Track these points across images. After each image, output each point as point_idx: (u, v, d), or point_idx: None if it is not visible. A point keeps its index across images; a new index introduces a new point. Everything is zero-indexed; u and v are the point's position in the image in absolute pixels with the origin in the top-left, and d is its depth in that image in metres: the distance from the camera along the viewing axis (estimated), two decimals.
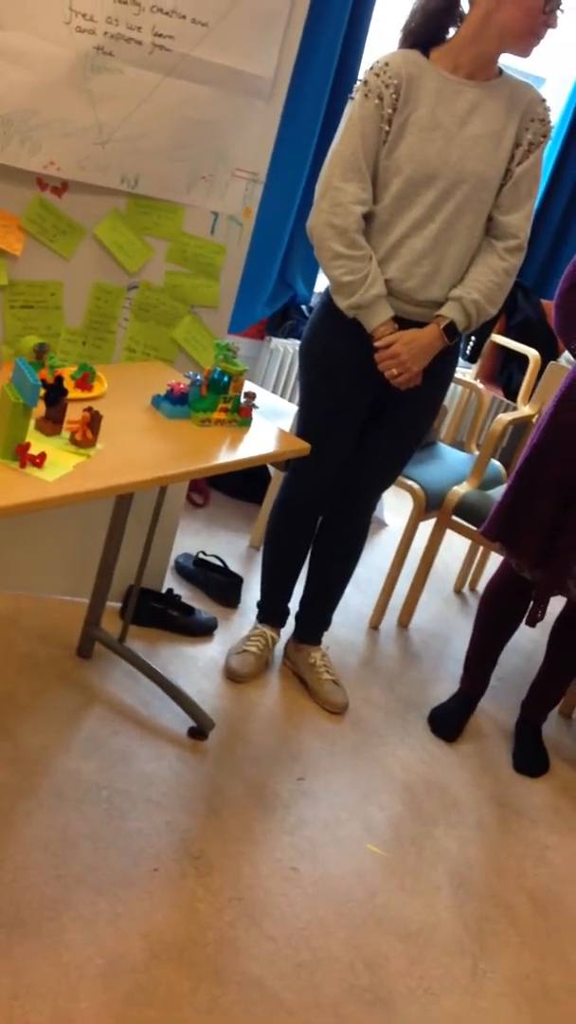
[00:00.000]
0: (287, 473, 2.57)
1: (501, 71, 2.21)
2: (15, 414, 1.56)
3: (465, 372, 4.17)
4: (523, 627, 2.62)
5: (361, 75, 2.17)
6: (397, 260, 2.23)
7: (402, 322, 2.27)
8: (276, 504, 2.63)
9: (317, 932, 1.96)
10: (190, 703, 2.40)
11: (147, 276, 2.44)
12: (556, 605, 2.64)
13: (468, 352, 4.32)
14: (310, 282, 3.99)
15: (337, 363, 2.36)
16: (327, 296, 2.32)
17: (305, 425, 2.44)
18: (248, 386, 2.15)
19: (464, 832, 2.36)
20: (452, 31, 2.19)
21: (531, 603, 2.49)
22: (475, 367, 4.19)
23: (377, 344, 2.26)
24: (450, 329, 2.25)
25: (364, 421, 2.45)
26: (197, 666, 2.65)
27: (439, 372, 2.37)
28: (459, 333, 2.28)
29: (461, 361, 4.34)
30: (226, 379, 2.03)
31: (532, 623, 2.51)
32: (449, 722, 2.70)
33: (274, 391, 4.01)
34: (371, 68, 2.15)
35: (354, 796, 2.36)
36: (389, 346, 2.24)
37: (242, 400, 2.08)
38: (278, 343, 3.98)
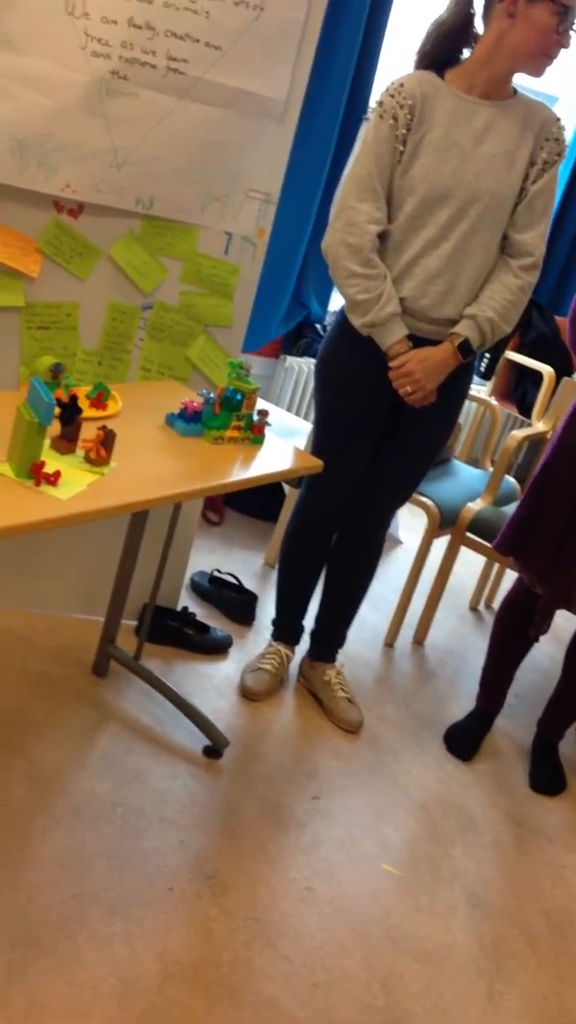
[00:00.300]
0: (301, 491, 2.57)
1: (515, 91, 2.23)
2: (30, 433, 1.58)
3: (480, 389, 4.17)
4: (541, 644, 2.61)
5: (376, 96, 2.19)
6: (412, 279, 2.24)
7: (417, 340, 2.28)
8: (290, 521, 2.63)
9: (333, 952, 1.95)
10: (205, 721, 2.40)
11: (162, 296, 2.46)
12: (574, 621, 2.63)
13: (483, 369, 4.32)
14: (324, 301, 4.01)
15: (352, 380, 2.37)
16: (342, 314, 2.34)
17: (320, 442, 2.45)
18: (261, 404, 2.16)
19: (480, 852, 2.35)
20: (467, 52, 2.21)
21: (536, 616, 2.49)
22: (490, 384, 4.19)
23: (391, 364, 2.26)
24: (464, 347, 2.26)
25: (379, 438, 2.45)
26: (212, 684, 2.65)
27: (454, 389, 2.37)
28: (473, 351, 2.28)
29: (476, 378, 4.35)
30: (239, 397, 2.04)
31: (535, 637, 2.50)
32: (465, 741, 2.69)
33: (289, 409, 4.02)
34: (386, 89, 2.17)
35: (369, 815, 2.35)
36: (403, 364, 2.25)
37: (255, 418, 2.09)
38: (293, 361, 3.99)
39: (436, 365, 2.26)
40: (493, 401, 3.86)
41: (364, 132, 2.19)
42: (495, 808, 2.51)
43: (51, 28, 2.10)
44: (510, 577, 3.38)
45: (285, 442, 2.18)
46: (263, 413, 2.10)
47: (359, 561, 2.64)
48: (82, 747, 2.28)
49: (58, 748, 2.25)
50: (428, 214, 2.19)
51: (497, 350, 4.17)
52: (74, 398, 1.72)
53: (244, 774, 2.36)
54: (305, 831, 2.24)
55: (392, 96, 2.15)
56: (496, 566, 3.50)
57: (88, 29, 2.12)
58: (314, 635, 2.75)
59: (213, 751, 2.37)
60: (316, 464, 2.13)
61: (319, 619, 2.73)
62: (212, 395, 2.05)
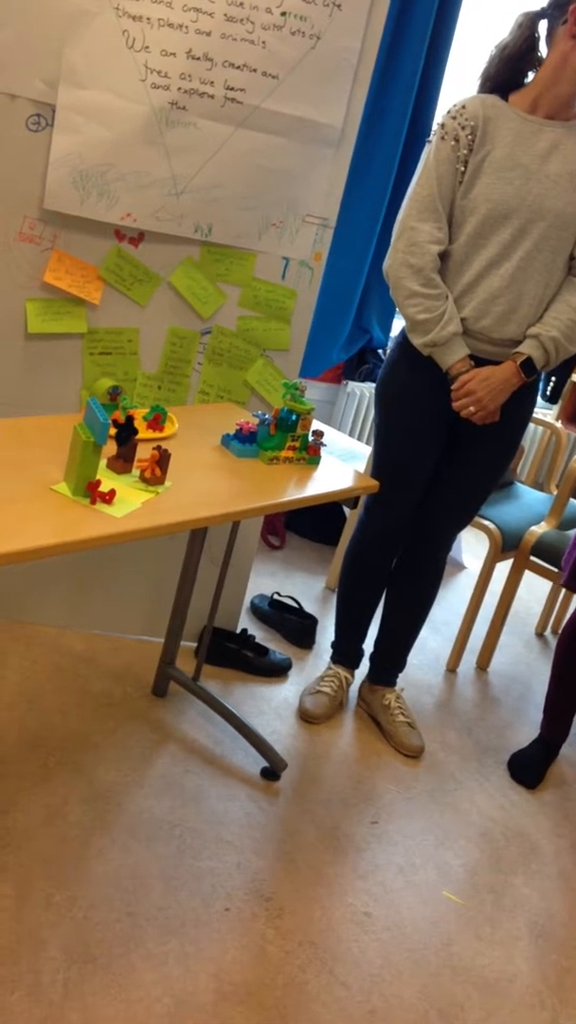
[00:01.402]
0: (361, 513, 2.57)
1: None
2: (85, 452, 1.61)
3: (545, 413, 4.12)
4: None
5: (439, 118, 2.20)
6: (473, 298, 2.23)
7: (479, 361, 2.26)
8: (350, 544, 2.62)
9: (390, 979, 1.91)
10: (263, 743, 2.40)
11: (220, 321, 2.49)
12: None
13: (548, 393, 4.27)
14: (386, 326, 4.01)
15: (412, 401, 2.37)
16: (403, 335, 2.34)
17: (380, 464, 2.44)
18: (316, 424, 2.17)
19: (544, 882, 2.29)
20: (530, 75, 2.21)
21: None
22: (556, 408, 4.13)
23: (453, 387, 2.25)
24: (527, 365, 2.24)
25: (439, 460, 2.44)
26: (270, 706, 2.65)
27: (517, 411, 2.35)
28: (536, 370, 2.25)
29: (541, 402, 4.30)
30: (294, 417, 2.05)
31: None
32: (529, 768, 2.63)
33: (351, 434, 4.03)
34: (448, 111, 2.18)
35: (429, 841, 2.31)
36: (464, 384, 2.24)
37: (310, 438, 2.09)
38: (354, 387, 4.00)
39: (498, 384, 2.24)
40: (559, 424, 3.81)
41: (426, 153, 2.20)
42: (560, 838, 2.44)
43: (112, 62, 2.17)
44: None
45: (341, 463, 2.18)
46: (318, 434, 2.11)
47: (419, 585, 2.61)
48: (141, 767, 2.29)
49: (117, 768, 2.27)
50: (490, 233, 2.19)
51: (563, 373, 4.12)
52: (129, 418, 1.75)
53: (302, 797, 2.34)
54: (363, 856, 2.21)
55: (454, 118, 2.16)
56: (563, 591, 3.43)
57: (148, 62, 2.18)
58: (374, 659, 2.73)
59: (271, 773, 2.37)
60: (372, 484, 2.13)
61: (379, 643, 2.71)
62: (267, 416, 2.07)
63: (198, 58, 2.20)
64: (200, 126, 2.26)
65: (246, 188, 2.36)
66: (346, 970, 1.90)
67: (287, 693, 2.73)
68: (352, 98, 2.34)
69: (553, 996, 1.98)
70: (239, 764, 2.39)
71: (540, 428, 3.96)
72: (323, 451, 2.13)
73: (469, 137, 2.15)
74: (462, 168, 2.17)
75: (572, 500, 3.20)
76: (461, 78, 3.66)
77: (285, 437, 2.06)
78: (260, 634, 2.96)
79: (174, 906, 1.94)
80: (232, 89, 2.25)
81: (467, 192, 2.18)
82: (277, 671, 2.78)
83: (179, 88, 2.21)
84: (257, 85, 2.26)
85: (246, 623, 3.01)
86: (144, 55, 2.17)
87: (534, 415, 3.48)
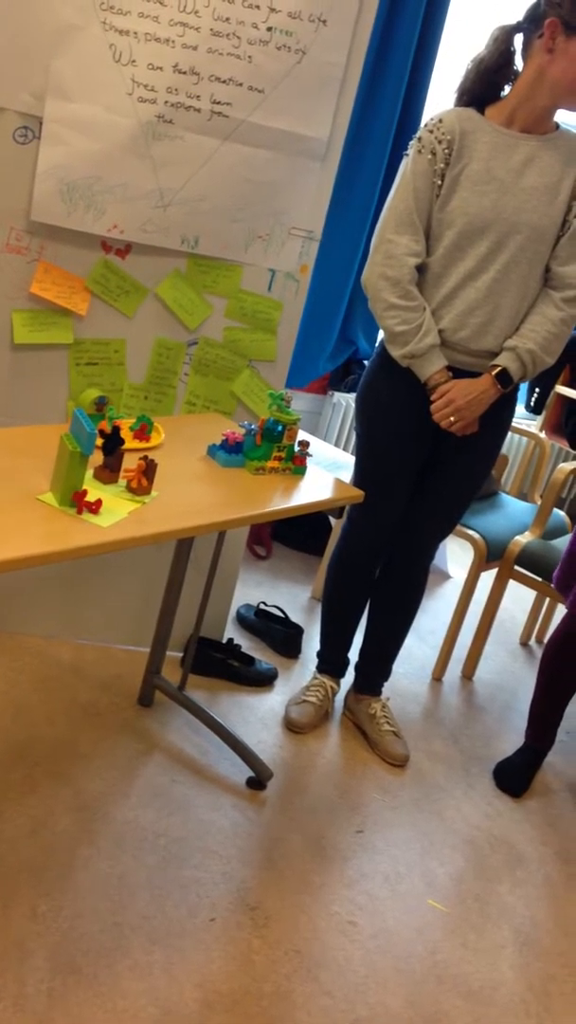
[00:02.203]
0: (344, 523, 2.58)
1: (558, 125, 2.24)
2: (72, 462, 1.62)
3: (530, 423, 4.15)
4: None
5: (417, 132, 2.22)
6: (450, 310, 2.25)
7: (457, 372, 2.28)
8: (334, 555, 2.64)
9: (375, 988, 1.92)
10: (249, 753, 2.40)
11: (206, 332, 2.51)
12: None
13: (533, 404, 4.30)
14: (371, 337, 4.04)
15: (392, 412, 2.39)
16: (381, 347, 2.36)
17: (361, 474, 2.46)
18: (302, 435, 2.19)
19: (529, 890, 2.30)
20: (507, 88, 2.24)
21: None
22: (540, 419, 4.16)
23: (432, 397, 2.27)
24: (503, 377, 2.26)
25: (421, 470, 2.46)
26: (256, 716, 2.66)
27: (496, 420, 2.37)
28: (512, 381, 2.28)
29: (526, 412, 4.34)
30: (280, 428, 2.06)
31: None
32: (515, 776, 2.65)
33: (336, 444, 4.04)
34: (425, 125, 2.20)
35: (415, 850, 2.32)
36: (444, 394, 2.26)
37: (296, 449, 2.11)
38: (340, 397, 4.03)
39: (476, 395, 2.26)
40: (543, 435, 3.84)
41: (403, 167, 2.22)
42: (545, 846, 2.46)
43: (100, 76, 2.18)
44: (561, 612, 3.34)
45: (327, 473, 2.19)
46: (304, 444, 2.12)
47: (403, 593, 2.63)
48: (127, 777, 2.29)
49: (103, 777, 2.27)
50: (467, 246, 2.21)
51: (546, 384, 4.16)
52: (116, 429, 1.76)
53: (288, 806, 2.35)
54: (348, 865, 2.22)
55: (431, 132, 2.18)
56: (547, 600, 3.45)
57: (135, 76, 2.20)
58: (359, 668, 2.74)
59: (257, 783, 2.37)
60: (357, 494, 2.14)
61: (363, 652, 2.72)
62: (254, 426, 2.08)
63: (185, 72, 2.22)
64: (187, 139, 2.28)
65: (232, 201, 2.38)
66: (331, 979, 1.91)
67: (273, 703, 2.74)
68: (338, 112, 2.37)
69: (538, 1004, 1.99)
70: (225, 773, 2.40)
71: (524, 439, 3.99)
72: (309, 461, 2.15)
73: (446, 151, 2.17)
74: (439, 182, 2.19)
75: (556, 510, 3.22)
76: (446, 92, 3.69)
77: (271, 447, 2.07)
78: (246, 644, 2.97)
79: (160, 916, 1.94)
80: (218, 103, 2.27)
81: (444, 205, 2.20)
82: (263, 680, 2.79)
83: (166, 102, 2.23)
84: (243, 99, 2.28)
85: (232, 633, 3.02)
86: (131, 69, 2.19)
87: (519, 426, 3.51)
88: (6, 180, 2.24)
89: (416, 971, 1.98)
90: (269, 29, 2.23)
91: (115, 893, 1.96)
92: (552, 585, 2.51)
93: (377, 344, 2.41)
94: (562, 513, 3.33)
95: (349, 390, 4.07)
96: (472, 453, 2.42)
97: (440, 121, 2.19)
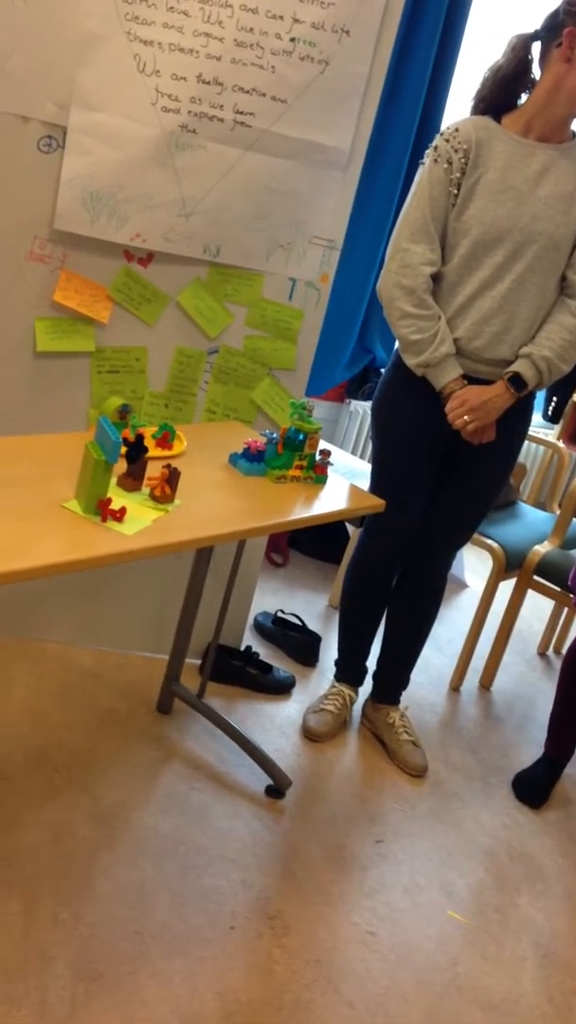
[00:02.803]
0: (361, 533, 2.58)
1: (575, 134, 2.24)
2: (96, 470, 1.62)
3: (547, 433, 4.14)
4: None
5: (433, 141, 2.23)
6: (466, 319, 2.25)
7: (472, 381, 2.28)
8: (351, 563, 2.64)
9: (396, 999, 1.91)
10: (267, 761, 2.40)
11: (227, 340, 2.52)
12: None
13: (550, 413, 4.29)
14: (389, 346, 4.04)
15: (408, 422, 2.38)
16: (396, 356, 2.36)
17: (378, 483, 2.46)
18: (323, 444, 2.19)
19: (549, 902, 2.29)
20: (524, 96, 2.24)
21: None
22: (557, 428, 4.15)
23: (449, 402, 2.27)
24: (516, 381, 2.25)
25: (437, 479, 2.45)
26: (274, 724, 2.65)
27: (512, 427, 2.37)
28: (526, 386, 2.27)
29: (543, 421, 4.33)
30: (301, 437, 2.07)
31: None
32: (534, 787, 2.63)
33: (353, 452, 4.05)
34: (441, 134, 2.21)
35: (434, 861, 2.31)
36: (459, 398, 2.25)
37: (317, 458, 2.11)
38: (357, 405, 4.03)
39: (491, 401, 2.25)
40: (560, 444, 3.83)
41: (419, 175, 2.23)
42: (564, 858, 2.44)
43: (124, 86, 2.20)
44: None
45: (348, 482, 2.20)
46: (325, 453, 2.13)
47: (420, 603, 2.63)
48: (146, 784, 2.29)
49: (122, 785, 2.27)
50: (483, 256, 2.21)
51: (564, 393, 4.15)
52: (140, 437, 1.77)
53: (306, 815, 2.34)
54: (368, 875, 2.21)
55: (447, 141, 2.18)
56: (566, 611, 3.44)
57: (159, 86, 2.21)
58: (376, 677, 2.73)
59: (275, 791, 2.37)
60: (378, 503, 2.14)
61: (381, 661, 2.72)
62: (275, 435, 2.08)
63: (208, 82, 2.23)
64: (209, 149, 2.29)
65: (254, 210, 2.39)
66: (352, 989, 1.90)
67: (291, 711, 2.73)
68: (360, 122, 2.37)
69: (559, 1017, 1.97)
70: (243, 782, 2.39)
71: (542, 448, 3.98)
72: (328, 470, 2.15)
73: (462, 160, 2.17)
74: (455, 191, 2.19)
75: (575, 520, 3.21)
76: (465, 101, 3.70)
77: (292, 456, 2.07)
78: (264, 651, 2.97)
79: (180, 924, 1.94)
80: (241, 113, 2.28)
81: (460, 214, 2.20)
82: (281, 688, 2.79)
83: (189, 111, 2.24)
84: (266, 109, 2.29)
85: (250, 640, 3.02)
86: (155, 79, 2.20)
87: (536, 435, 3.51)
88: (30, 189, 2.25)
89: (436, 983, 1.98)
90: (292, 40, 2.23)
91: (135, 901, 1.96)
92: (569, 587, 2.50)
93: (393, 354, 2.41)
94: None
95: (366, 398, 4.07)
96: (489, 461, 2.42)
97: (456, 130, 2.19)
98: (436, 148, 2.19)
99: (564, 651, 3.37)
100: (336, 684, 2.75)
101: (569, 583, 2.48)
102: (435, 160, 2.19)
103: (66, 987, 1.74)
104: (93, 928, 1.87)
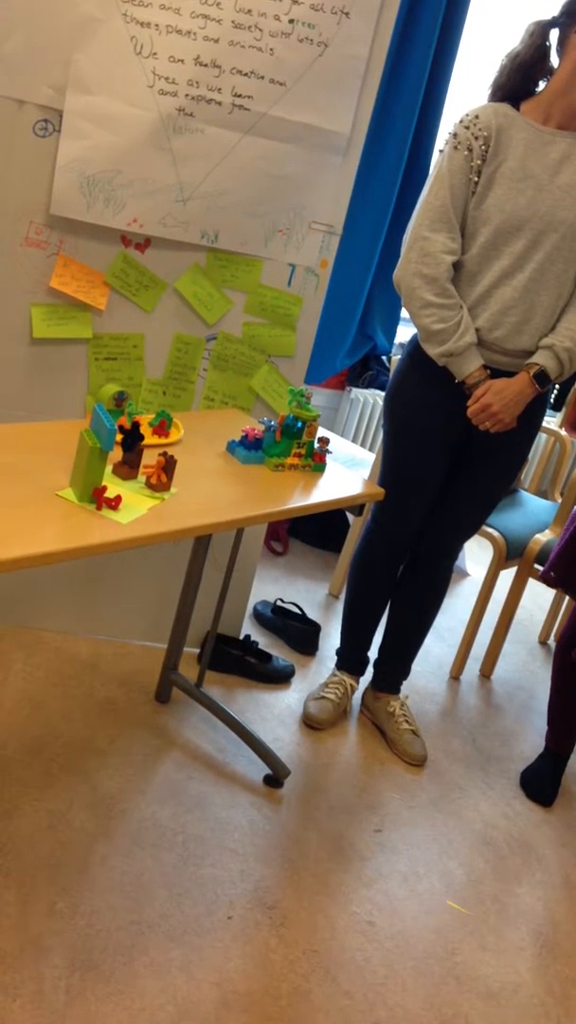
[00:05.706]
0: (368, 522, 2.56)
1: None
2: (91, 458, 1.61)
3: (550, 421, 4.11)
4: None
5: (452, 128, 2.19)
6: (486, 309, 2.22)
7: (492, 372, 2.25)
8: (357, 553, 2.62)
9: (394, 988, 1.90)
10: (266, 750, 2.39)
11: (226, 327, 2.49)
12: None
13: (552, 400, 4.27)
14: (390, 333, 4.02)
15: (423, 412, 2.36)
16: (412, 346, 2.33)
17: (389, 474, 2.44)
18: (322, 432, 2.17)
19: (549, 892, 2.28)
20: (542, 84, 2.20)
21: None
22: (559, 415, 4.13)
23: (468, 403, 2.25)
24: (540, 376, 2.23)
25: (449, 470, 2.43)
26: (274, 713, 2.64)
27: (528, 420, 2.33)
28: (550, 380, 2.24)
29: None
30: (299, 425, 2.05)
31: None
32: (543, 785, 2.60)
33: (354, 440, 4.03)
34: (461, 120, 2.17)
35: (433, 850, 2.30)
36: (479, 399, 2.23)
37: (316, 445, 2.09)
38: (358, 393, 4.01)
39: (513, 396, 2.22)
40: (562, 432, 3.81)
41: (438, 163, 2.19)
42: (564, 847, 2.44)
43: (120, 69, 2.17)
44: None
45: (347, 470, 2.18)
46: (324, 441, 2.11)
47: (425, 593, 2.61)
48: (144, 773, 2.29)
49: (120, 774, 2.26)
50: (503, 245, 2.18)
51: (567, 381, 4.12)
52: (136, 425, 1.75)
53: (305, 804, 2.33)
54: (367, 864, 2.20)
55: (467, 128, 2.15)
56: (566, 599, 3.43)
57: (156, 69, 2.18)
58: (378, 666, 2.72)
59: (274, 780, 2.36)
60: (377, 492, 2.12)
61: (383, 650, 2.70)
62: (273, 423, 2.06)
63: (206, 65, 2.20)
64: (207, 133, 2.27)
65: (253, 195, 2.36)
66: (350, 979, 1.89)
67: (290, 700, 2.72)
68: (360, 105, 2.35)
69: (558, 1006, 1.97)
70: (242, 771, 2.38)
71: (544, 436, 3.96)
72: (328, 458, 2.13)
73: (483, 147, 2.14)
74: (475, 178, 2.16)
75: None
76: (466, 86, 3.66)
77: (291, 444, 2.05)
78: (263, 640, 2.96)
79: (177, 914, 1.93)
80: (240, 96, 2.25)
81: (480, 203, 2.17)
82: (280, 678, 2.78)
83: (187, 95, 2.21)
84: (265, 92, 2.26)
85: (249, 629, 3.01)
86: (152, 61, 2.18)
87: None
88: (26, 174, 2.23)
89: (435, 972, 1.97)
90: (291, 21, 2.20)
91: (132, 890, 1.95)
92: (540, 576, 2.49)
93: (407, 343, 2.38)
94: None
95: (367, 386, 4.05)
96: (502, 454, 2.39)
97: (476, 117, 2.16)
98: (456, 135, 2.16)
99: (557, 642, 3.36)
100: (337, 672, 2.74)
101: (541, 574, 2.47)
102: (455, 147, 2.15)
103: (62, 977, 1.73)
104: (90, 917, 1.87)
